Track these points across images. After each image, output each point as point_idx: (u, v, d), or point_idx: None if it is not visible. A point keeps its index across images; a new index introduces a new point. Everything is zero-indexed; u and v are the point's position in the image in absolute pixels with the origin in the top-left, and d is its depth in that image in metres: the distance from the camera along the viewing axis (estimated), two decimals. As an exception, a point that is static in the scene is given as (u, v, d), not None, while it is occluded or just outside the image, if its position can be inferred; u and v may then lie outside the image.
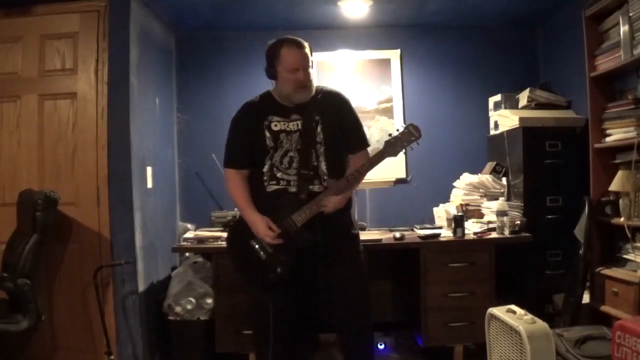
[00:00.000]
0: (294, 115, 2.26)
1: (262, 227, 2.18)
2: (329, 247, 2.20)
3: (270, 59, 2.24)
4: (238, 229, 2.34)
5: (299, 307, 2.35)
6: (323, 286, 2.29)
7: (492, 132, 3.59)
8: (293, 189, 2.21)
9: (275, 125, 2.25)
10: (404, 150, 2.17)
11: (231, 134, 2.35)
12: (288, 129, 2.25)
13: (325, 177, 2.23)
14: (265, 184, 2.24)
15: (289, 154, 2.23)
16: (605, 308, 2.62)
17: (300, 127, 2.24)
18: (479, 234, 2.95)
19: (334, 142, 2.27)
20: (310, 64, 2.24)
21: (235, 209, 3.36)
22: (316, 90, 2.31)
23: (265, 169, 2.24)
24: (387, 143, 2.15)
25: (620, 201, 2.62)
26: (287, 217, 2.17)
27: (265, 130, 2.24)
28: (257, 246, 2.22)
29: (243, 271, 2.34)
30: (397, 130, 2.15)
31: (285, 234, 2.18)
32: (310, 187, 2.21)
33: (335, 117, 2.29)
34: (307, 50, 2.22)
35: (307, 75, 2.22)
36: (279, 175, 2.23)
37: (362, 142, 2.35)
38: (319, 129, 2.24)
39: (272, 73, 2.25)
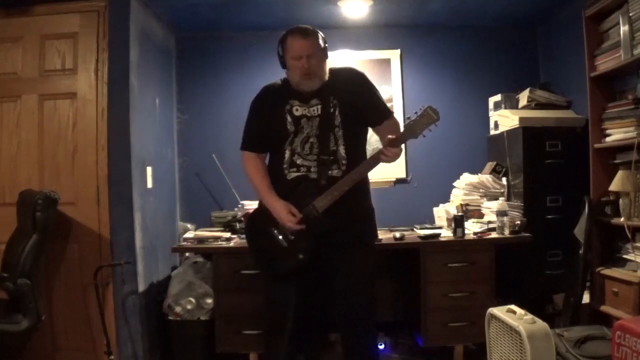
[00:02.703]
0: (314, 100, 2.24)
1: (284, 212, 2.16)
2: (346, 232, 2.19)
3: (280, 48, 2.25)
4: (257, 217, 2.32)
5: (312, 301, 2.34)
6: (335, 274, 2.25)
7: (492, 132, 3.59)
8: (313, 175, 2.19)
9: (297, 110, 2.24)
10: (423, 134, 2.13)
11: (251, 116, 2.33)
12: (309, 114, 2.23)
13: (344, 162, 2.21)
14: (286, 171, 2.23)
15: (310, 139, 2.21)
16: (605, 308, 2.62)
17: (320, 112, 2.23)
18: (479, 234, 2.95)
19: (352, 124, 2.25)
20: (319, 52, 2.21)
21: (236, 208, 3.37)
22: (330, 72, 2.28)
23: (286, 156, 2.22)
24: (407, 126, 2.11)
25: (620, 201, 2.62)
26: (309, 203, 2.16)
27: (286, 114, 2.23)
28: (277, 233, 2.21)
29: (262, 259, 2.32)
30: (415, 113, 2.12)
31: (306, 220, 2.16)
32: (329, 172, 2.19)
33: (352, 95, 2.26)
34: (314, 38, 2.20)
35: (313, 63, 2.18)
36: (299, 161, 2.21)
37: (384, 111, 2.33)
38: (336, 112, 2.23)
39: (282, 62, 2.26)
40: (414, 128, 2.10)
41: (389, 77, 3.68)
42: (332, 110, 2.23)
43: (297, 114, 2.23)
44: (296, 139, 2.22)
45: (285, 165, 2.23)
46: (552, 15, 3.51)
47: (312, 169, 2.20)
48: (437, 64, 3.75)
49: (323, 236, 2.19)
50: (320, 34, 2.25)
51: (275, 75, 3.68)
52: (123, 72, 2.82)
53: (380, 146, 2.19)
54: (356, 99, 2.26)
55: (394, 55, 3.72)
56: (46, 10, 2.83)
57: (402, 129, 2.17)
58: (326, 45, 2.27)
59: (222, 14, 3.36)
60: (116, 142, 2.81)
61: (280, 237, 2.22)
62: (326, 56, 2.27)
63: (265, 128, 2.27)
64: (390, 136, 2.12)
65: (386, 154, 2.11)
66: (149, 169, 3.09)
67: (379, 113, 2.32)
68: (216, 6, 3.23)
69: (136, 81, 2.91)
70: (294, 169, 2.22)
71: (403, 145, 2.18)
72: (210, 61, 3.71)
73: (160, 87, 3.39)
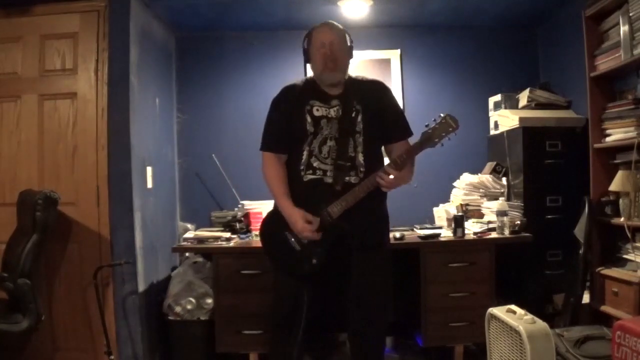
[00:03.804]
0: (334, 101, 2.23)
1: (299, 221, 2.14)
2: (361, 236, 2.18)
3: (305, 42, 2.26)
4: (271, 220, 2.31)
5: (321, 301, 2.33)
6: (348, 277, 2.24)
7: (492, 132, 3.59)
8: (329, 180, 2.17)
9: (317, 110, 2.21)
10: (441, 143, 2.12)
11: (271, 115, 2.31)
12: (329, 116, 2.21)
13: (362, 169, 2.19)
14: (302, 173, 2.21)
15: (328, 142, 2.19)
16: (605, 308, 2.62)
17: (340, 114, 2.21)
18: (479, 234, 2.95)
19: (373, 133, 2.23)
20: (344, 45, 2.22)
21: (236, 208, 3.38)
22: (356, 78, 2.30)
23: (304, 157, 2.20)
24: (424, 134, 2.10)
25: (620, 201, 2.62)
26: (323, 208, 2.14)
27: (306, 114, 2.20)
28: (291, 238, 2.21)
29: (277, 261, 2.31)
30: (434, 120, 2.11)
31: (321, 226, 2.15)
32: (347, 178, 2.17)
33: (376, 105, 2.25)
34: (340, 31, 2.23)
35: (335, 53, 2.18)
36: (315, 164, 2.19)
37: (404, 130, 2.31)
38: (359, 118, 2.21)
39: (306, 56, 2.26)
40: (432, 137, 2.09)
41: (389, 77, 3.68)
42: (354, 114, 2.21)
43: (317, 114, 2.21)
44: (315, 140, 2.20)
45: (301, 167, 2.21)
46: (552, 15, 3.51)
47: (328, 173, 2.18)
48: (437, 64, 3.75)
49: (337, 240, 2.18)
50: (347, 32, 2.27)
51: (275, 75, 3.69)
52: (123, 72, 2.82)
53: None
54: (380, 110, 2.25)
55: (394, 55, 3.72)
56: (46, 10, 2.83)
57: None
58: (352, 45, 2.27)
59: (222, 14, 3.36)
60: (116, 142, 2.81)
61: (294, 241, 2.20)
62: (350, 55, 2.27)
63: (286, 128, 2.24)
64: (409, 147, 2.14)
65: (382, 177, 2.09)
66: (149, 169, 3.09)
67: (400, 130, 2.30)
68: (216, 6, 3.23)
69: (136, 81, 2.91)
70: (310, 171, 2.20)
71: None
72: (210, 61, 3.71)
73: (160, 87, 3.39)
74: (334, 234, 2.17)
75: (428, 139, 2.10)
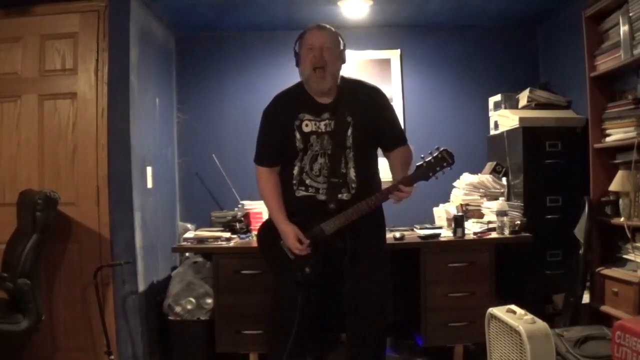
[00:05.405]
0: (325, 114, 2.18)
1: (291, 238, 2.15)
2: (358, 245, 2.18)
3: (296, 45, 2.22)
4: (269, 227, 2.30)
5: (323, 304, 2.33)
6: (347, 284, 2.26)
7: (492, 132, 3.59)
8: (322, 197, 2.17)
9: (307, 126, 2.18)
10: (435, 176, 2.10)
11: (262, 129, 2.29)
12: (319, 130, 2.17)
13: (353, 185, 2.17)
14: (294, 187, 2.20)
15: (319, 159, 2.17)
16: (605, 308, 2.62)
17: (331, 128, 2.17)
18: (479, 234, 2.95)
19: (364, 146, 2.21)
20: (335, 48, 2.16)
21: (236, 208, 3.38)
22: (352, 83, 2.25)
23: (295, 172, 2.20)
24: (418, 167, 2.09)
25: (620, 201, 2.62)
26: (317, 224, 2.14)
27: (295, 131, 2.17)
28: (284, 246, 2.21)
29: (272, 267, 2.32)
30: (430, 153, 2.09)
31: (314, 240, 2.16)
32: (339, 195, 2.16)
33: (369, 115, 2.21)
34: (331, 33, 2.18)
35: (326, 56, 2.12)
36: (307, 181, 2.18)
37: (398, 139, 2.29)
38: (349, 131, 2.17)
39: (297, 59, 2.21)
40: (426, 171, 2.08)
41: (389, 77, 3.68)
42: (344, 128, 2.17)
43: (306, 130, 2.18)
44: (305, 157, 2.19)
45: (294, 182, 2.20)
46: (552, 15, 3.51)
47: (321, 191, 2.17)
48: (437, 64, 3.75)
49: (333, 252, 2.19)
50: (340, 35, 2.22)
51: (275, 75, 3.68)
52: (123, 72, 2.82)
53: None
54: (373, 121, 2.21)
55: (394, 55, 3.72)
56: (46, 10, 2.83)
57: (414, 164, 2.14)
58: (344, 49, 2.23)
59: (222, 14, 3.36)
60: (116, 142, 2.81)
61: (288, 251, 2.21)
62: (342, 60, 2.22)
63: (278, 142, 2.22)
64: (401, 177, 2.12)
65: (397, 194, 2.09)
66: (149, 169, 3.09)
67: (393, 139, 2.28)
68: (216, 6, 3.23)
69: (136, 81, 2.91)
70: (302, 188, 2.19)
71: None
72: (210, 61, 3.71)
73: (160, 87, 3.39)
74: (329, 248, 2.18)
75: (422, 174, 2.09)
